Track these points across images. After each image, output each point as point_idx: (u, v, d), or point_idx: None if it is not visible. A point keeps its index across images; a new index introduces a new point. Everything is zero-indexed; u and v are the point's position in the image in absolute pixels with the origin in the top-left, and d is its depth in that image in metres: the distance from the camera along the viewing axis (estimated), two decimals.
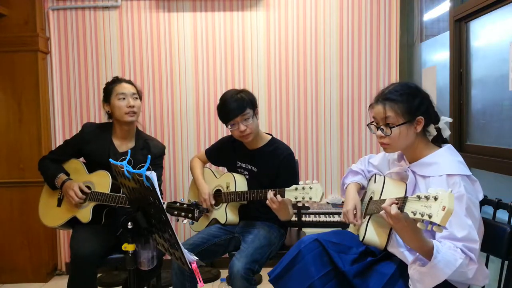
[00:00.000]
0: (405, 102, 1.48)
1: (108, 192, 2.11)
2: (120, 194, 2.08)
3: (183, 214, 1.76)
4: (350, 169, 1.90)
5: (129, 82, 2.32)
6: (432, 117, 1.54)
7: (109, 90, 2.27)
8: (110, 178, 2.14)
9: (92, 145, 2.24)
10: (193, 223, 1.85)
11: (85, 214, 2.12)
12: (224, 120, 2.09)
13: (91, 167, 2.24)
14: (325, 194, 3.15)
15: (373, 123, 1.56)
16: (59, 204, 2.25)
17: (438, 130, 1.56)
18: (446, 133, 1.57)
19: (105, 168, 2.17)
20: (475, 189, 1.45)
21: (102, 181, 2.16)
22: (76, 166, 2.28)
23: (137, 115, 2.26)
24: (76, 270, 2.00)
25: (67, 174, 2.24)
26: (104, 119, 2.40)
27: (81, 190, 2.13)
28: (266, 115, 3.17)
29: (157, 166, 2.33)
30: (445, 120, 1.56)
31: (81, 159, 2.33)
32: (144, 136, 2.37)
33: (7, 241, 3.05)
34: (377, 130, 1.53)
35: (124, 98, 2.22)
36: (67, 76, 3.14)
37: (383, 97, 1.51)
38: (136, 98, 2.27)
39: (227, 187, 2.17)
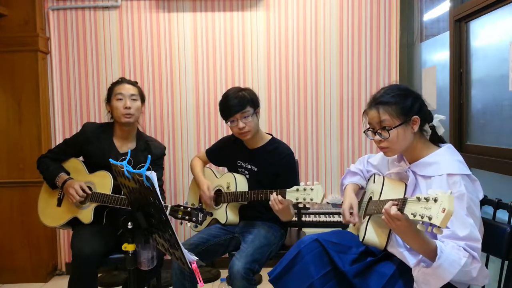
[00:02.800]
0: (398, 103, 1.48)
1: (110, 194, 2.11)
2: (122, 196, 2.08)
3: (187, 217, 1.76)
4: (349, 170, 1.90)
5: (132, 83, 2.30)
6: (427, 116, 1.54)
7: (110, 90, 2.27)
8: (111, 179, 2.14)
9: (93, 145, 2.23)
10: (197, 226, 1.85)
11: (87, 215, 2.12)
12: (224, 116, 2.09)
13: (91, 167, 2.23)
14: (325, 195, 3.16)
15: (369, 129, 1.56)
16: (59, 204, 2.24)
17: (433, 128, 1.57)
18: (441, 130, 1.58)
19: (105, 168, 2.17)
20: (476, 188, 1.46)
21: (103, 182, 2.16)
22: (76, 165, 2.27)
23: (135, 117, 2.23)
24: (77, 270, 2.00)
25: (68, 173, 2.23)
26: (104, 119, 2.40)
27: (82, 190, 2.13)
28: (266, 115, 3.17)
29: (158, 166, 2.34)
30: (438, 118, 1.57)
31: (81, 158, 2.32)
32: (145, 138, 2.37)
33: (7, 241, 3.05)
34: (375, 135, 1.52)
35: (121, 99, 2.21)
36: (67, 76, 3.14)
37: (376, 101, 1.52)
38: (135, 99, 2.24)
39: (228, 187, 2.17)
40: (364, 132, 1.60)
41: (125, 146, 2.28)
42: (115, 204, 2.07)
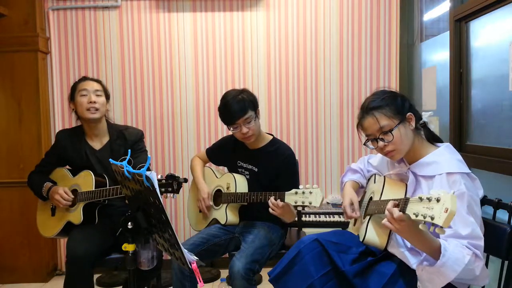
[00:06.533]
0: (391, 104, 1.51)
1: (93, 189, 2.11)
2: (107, 187, 2.08)
3: (163, 189, 1.76)
4: (349, 167, 1.90)
5: (96, 80, 2.29)
6: (417, 113, 1.57)
7: (73, 88, 2.26)
8: (92, 175, 2.15)
9: (69, 150, 2.25)
10: (175, 196, 1.85)
11: (76, 215, 2.12)
12: (226, 122, 2.08)
13: (76, 172, 2.24)
14: (325, 195, 3.16)
15: (368, 139, 1.56)
16: (53, 214, 2.25)
17: (424, 125, 1.59)
18: (431, 126, 1.60)
19: (88, 169, 2.19)
20: (475, 186, 1.46)
21: (86, 181, 2.16)
22: (61, 173, 2.29)
23: (100, 112, 2.21)
24: (71, 271, 2.00)
25: (54, 182, 2.25)
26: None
27: (66, 193, 2.13)
28: (266, 115, 3.17)
29: (139, 151, 2.31)
30: (426, 114, 1.60)
31: (67, 166, 2.32)
32: (118, 127, 2.34)
33: (7, 241, 3.05)
34: (377, 143, 1.52)
35: (85, 95, 2.19)
36: (67, 76, 3.14)
37: (367, 109, 1.53)
38: (99, 95, 2.22)
39: (228, 188, 2.16)
40: (364, 144, 1.60)
41: (99, 142, 2.28)
42: (100, 198, 2.07)
